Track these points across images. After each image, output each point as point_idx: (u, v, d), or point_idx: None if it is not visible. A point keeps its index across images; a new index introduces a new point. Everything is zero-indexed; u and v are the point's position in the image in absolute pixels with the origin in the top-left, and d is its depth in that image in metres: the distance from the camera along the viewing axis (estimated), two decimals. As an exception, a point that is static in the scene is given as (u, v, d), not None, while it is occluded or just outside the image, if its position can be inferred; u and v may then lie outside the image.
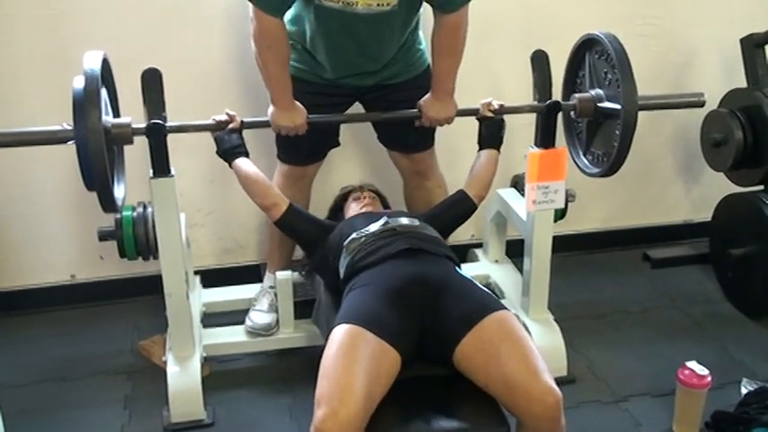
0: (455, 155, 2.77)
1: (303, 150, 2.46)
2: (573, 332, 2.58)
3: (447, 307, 1.82)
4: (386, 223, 2.11)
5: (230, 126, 2.19)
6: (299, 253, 2.58)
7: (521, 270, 2.64)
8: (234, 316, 2.61)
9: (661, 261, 3.19)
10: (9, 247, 2.80)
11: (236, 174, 2.21)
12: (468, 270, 2.16)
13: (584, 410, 2.31)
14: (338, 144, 2.56)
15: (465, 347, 1.75)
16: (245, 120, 2.22)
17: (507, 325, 1.77)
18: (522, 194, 2.61)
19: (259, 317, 2.51)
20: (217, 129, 2.20)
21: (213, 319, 2.64)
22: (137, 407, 2.35)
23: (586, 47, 2.36)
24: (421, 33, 2.41)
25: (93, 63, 1.89)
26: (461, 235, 3.07)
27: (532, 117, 2.39)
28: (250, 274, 2.85)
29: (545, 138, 2.34)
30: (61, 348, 2.64)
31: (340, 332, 1.72)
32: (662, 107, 2.52)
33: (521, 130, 2.56)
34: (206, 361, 2.43)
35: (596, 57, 2.31)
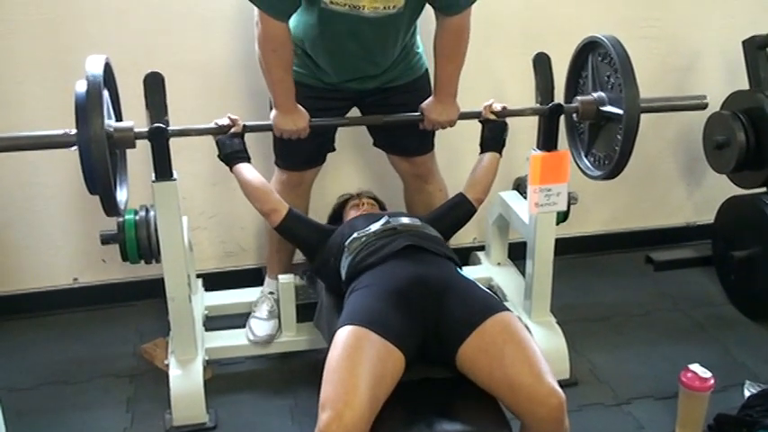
0: (457, 157, 2.77)
1: (302, 156, 2.46)
2: (575, 335, 2.58)
3: (449, 308, 1.82)
4: (387, 222, 2.11)
5: (232, 130, 2.19)
6: (299, 257, 2.58)
7: (523, 273, 2.63)
8: (236, 319, 2.61)
9: (664, 263, 3.19)
10: (12, 251, 2.80)
11: (236, 178, 2.21)
12: (470, 273, 2.16)
13: (587, 413, 2.30)
14: (334, 149, 2.56)
15: (468, 349, 1.75)
16: (247, 123, 2.22)
17: (510, 326, 1.77)
18: (525, 197, 2.61)
19: (259, 327, 2.50)
20: (219, 133, 2.20)
21: (215, 322, 2.64)
22: (139, 410, 2.35)
23: (589, 49, 2.36)
24: (418, 37, 2.42)
25: (95, 67, 1.89)
26: (464, 238, 3.07)
27: (535, 120, 2.39)
28: (252, 277, 2.85)
29: (547, 140, 2.34)
30: (64, 351, 2.65)
31: (344, 334, 1.72)
32: (664, 110, 2.51)
33: (523, 132, 2.56)
34: (208, 364, 2.43)
35: (599, 59, 2.31)
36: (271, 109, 2.27)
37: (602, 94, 2.30)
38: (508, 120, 2.38)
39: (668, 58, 3.09)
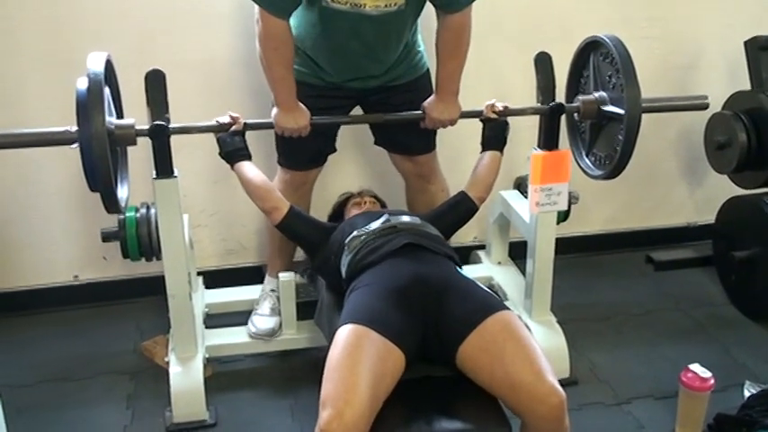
0: (458, 156, 2.77)
1: (305, 155, 2.46)
2: (576, 334, 2.59)
3: (449, 307, 1.82)
4: (387, 221, 2.11)
5: (233, 128, 2.19)
6: (299, 255, 2.58)
7: (523, 272, 2.63)
8: (236, 317, 2.61)
9: (664, 263, 3.19)
10: (13, 248, 2.80)
11: (238, 176, 2.21)
12: (470, 272, 2.16)
13: (587, 413, 2.30)
14: (335, 150, 2.56)
15: (468, 347, 1.75)
16: (248, 121, 2.22)
17: (511, 325, 1.77)
18: (525, 196, 2.61)
19: (261, 322, 2.50)
20: (220, 130, 2.20)
21: (216, 320, 2.65)
22: (139, 407, 2.35)
23: (590, 49, 2.36)
24: (419, 36, 2.42)
25: (96, 65, 1.89)
26: (464, 237, 3.07)
27: (536, 119, 2.39)
28: (253, 275, 2.85)
29: (548, 140, 2.34)
30: (64, 349, 2.65)
31: (344, 332, 1.72)
32: (665, 110, 2.51)
33: (524, 131, 2.56)
34: (208, 362, 2.43)
35: (600, 59, 2.31)
36: (272, 107, 2.27)
37: (604, 93, 2.30)
38: (509, 119, 2.38)
39: (670, 58, 3.09)
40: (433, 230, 2.13)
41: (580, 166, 2.49)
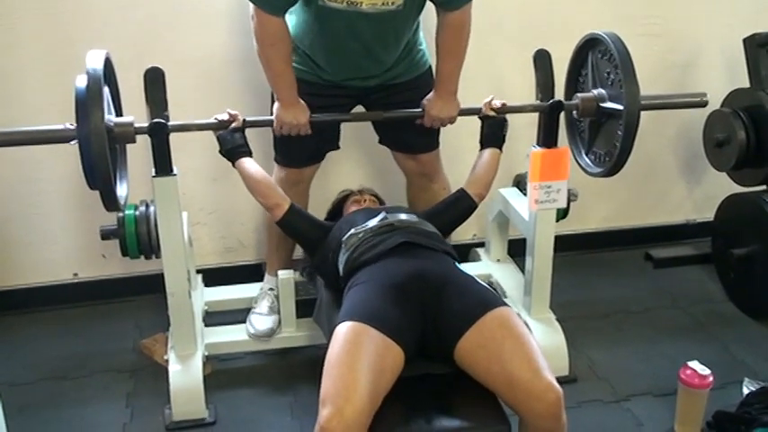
0: (457, 154, 2.76)
1: (302, 152, 2.45)
2: (575, 332, 2.59)
3: (448, 303, 1.82)
4: (384, 218, 2.11)
5: (232, 125, 2.19)
6: (298, 253, 2.58)
7: (523, 269, 2.64)
8: (236, 315, 2.61)
9: (663, 261, 3.19)
10: (12, 246, 2.80)
11: (239, 173, 2.21)
12: (470, 269, 2.16)
13: (586, 410, 2.31)
14: (338, 147, 2.55)
15: (466, 343, 1.76)
16: (248, 118, 2.22)
17: (509, 322, 1.77)
18: (525, 194, 2.61)
19: (260, 321, 2.50)
20: (219, 128, 2.20)
21: (215, 317, 2.65)
22: (139, 405, 2.35)
23: (589, 46, 2.36)
24: (421, 34, 2.41)
25: (95, 62, 1.89)
26: (463, 234, 3.07)
27: (535, 116, 2.39)
28: (252, 272, 2.85)
29: (547, 137, 2.34)
30: (63, 347, 2.65)
31: (343, 329, 1.72)
32: (664, 107, 2.52)
33: (523, 129, 2.56)
34: (208, 360, 2.43)
35: (599, 56, 2.31)
36: (272, 103, 2.27)
37: (603, 90, 2.30)
38: (508, 116, 2.38)
39: (669, 56, 3.09)
40: (430, 228, 2.13)
41: (579, 164, 2.49)
